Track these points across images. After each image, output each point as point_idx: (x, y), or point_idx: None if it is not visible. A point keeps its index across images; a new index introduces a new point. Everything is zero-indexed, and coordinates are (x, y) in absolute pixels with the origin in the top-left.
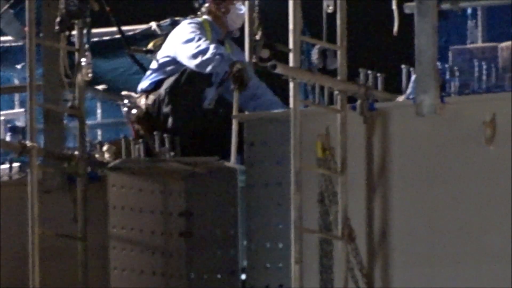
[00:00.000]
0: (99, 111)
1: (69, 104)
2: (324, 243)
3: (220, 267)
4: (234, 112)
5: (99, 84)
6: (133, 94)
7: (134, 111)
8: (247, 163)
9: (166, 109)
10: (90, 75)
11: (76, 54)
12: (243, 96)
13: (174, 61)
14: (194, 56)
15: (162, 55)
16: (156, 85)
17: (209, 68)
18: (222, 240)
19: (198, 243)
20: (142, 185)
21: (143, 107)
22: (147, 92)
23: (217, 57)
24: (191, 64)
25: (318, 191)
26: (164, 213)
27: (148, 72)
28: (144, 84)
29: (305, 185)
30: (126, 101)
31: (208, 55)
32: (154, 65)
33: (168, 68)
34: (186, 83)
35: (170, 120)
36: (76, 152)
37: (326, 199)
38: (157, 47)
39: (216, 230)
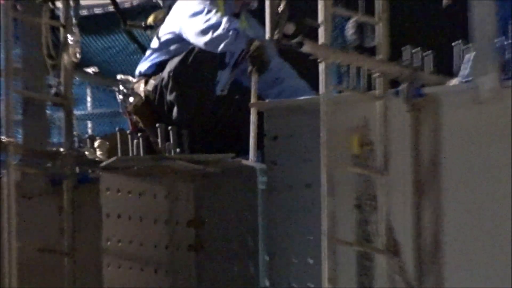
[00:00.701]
0: (89, 99)
1: (53, 90)
2: (363, 258)
3: (237, 287)
4: (253, 99)
5: (89, 66)
6: (130, 78)
7: (131, 99)
8: (268, 161)
9: (170, 96)
10: (78, 55)
11: (62, 30)
12: (263, 80)
13: (179, 39)
14: (203, 32)
15: (164, 31)
16: (158, 67)
17: (221, 47)
18: (239, 254)
19: (211, 258)
20: (142, 189)
21: (143, 94)
22: (147, 76)
23: (231, 33)
24: (200, 41)
25: (355, 195)
26: (169, 222)
27: (148, 52)
28: (143, 66)
29: (339, 187)
30: (121, 87)
31: (220, 30)
32: (155, 43)
33: (172, 47)
34: (194, 64)
35: (175, 110)
36: (61, 149)
37: (365, 204)
38: (159, 22)
39: (232, 242)
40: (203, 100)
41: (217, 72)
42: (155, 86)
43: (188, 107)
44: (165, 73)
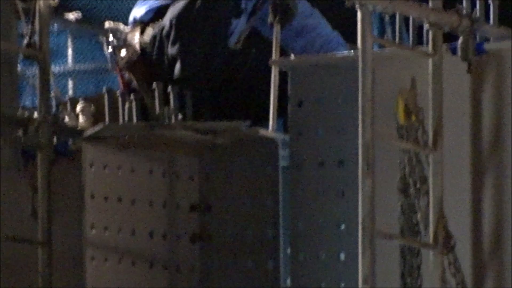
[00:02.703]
0: (70, 52)
1: (26, 41)
2: (408, 254)
3: (252, 287)
4: (274, 55)
5: (70, 11)
6: (122, 26)
7: (123, 52)
8: (292, 132)
9: (172, 49)
10: None
11: None
12: (286, 30)
13: None
14: None
15: None
16: (157, 13)
17: None
18: (254, 247)
19: (219, 251)
20: (135, 164)
21: (138, 46)
22: (143, 23)
23: None
24: None
25: (399, 176)
26: (168, 206)
27: None
28: (139, 11)
29: (380, 165)
30: (111, 37)
31: None
32: None
33: None
34: (202, 10)
35: (177, 66)
36: (35, 114)
37: (411, 188)
38: None
39: (246, 232)
40: (212, 54)
41: (231, 20)
42: (153, 37)
43: (193, 62)
44: (166, 20)
